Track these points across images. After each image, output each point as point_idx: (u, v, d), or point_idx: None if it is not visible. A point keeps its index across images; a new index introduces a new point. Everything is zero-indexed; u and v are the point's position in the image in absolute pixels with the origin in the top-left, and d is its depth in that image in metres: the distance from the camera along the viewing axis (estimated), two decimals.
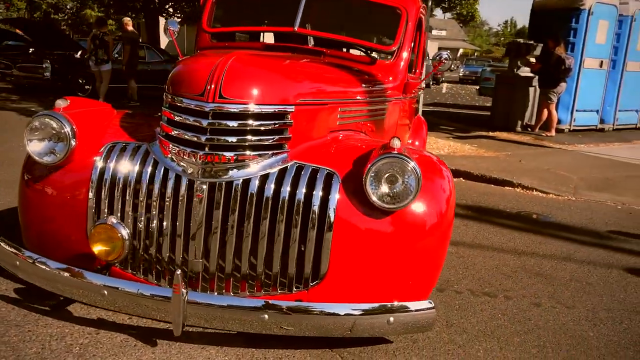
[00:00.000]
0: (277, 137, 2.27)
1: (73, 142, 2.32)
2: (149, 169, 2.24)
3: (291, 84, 2.39)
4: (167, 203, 2.19)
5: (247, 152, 2.18)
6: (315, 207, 2.14)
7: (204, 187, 2.15)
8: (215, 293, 2.22)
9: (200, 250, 2.18)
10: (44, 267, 2.23)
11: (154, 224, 2.22)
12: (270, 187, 2.16)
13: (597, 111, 9.75)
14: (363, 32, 3.80)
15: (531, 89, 9.28)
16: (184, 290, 1.99)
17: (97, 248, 2.17)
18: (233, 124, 2.16)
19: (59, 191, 2.37)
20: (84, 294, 2.18)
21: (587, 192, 5.78)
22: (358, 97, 2.95)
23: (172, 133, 2.24)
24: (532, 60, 9.01)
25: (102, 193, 2.28)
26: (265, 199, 2.14)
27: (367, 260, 2.19)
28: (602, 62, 9.38)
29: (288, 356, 2.16)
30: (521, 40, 9.36)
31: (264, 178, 2.18)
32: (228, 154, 2.16)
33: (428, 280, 2.33)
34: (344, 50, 3.71)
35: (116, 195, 2.26)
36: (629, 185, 6.16)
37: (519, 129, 9.37)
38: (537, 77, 9.08)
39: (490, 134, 9.05)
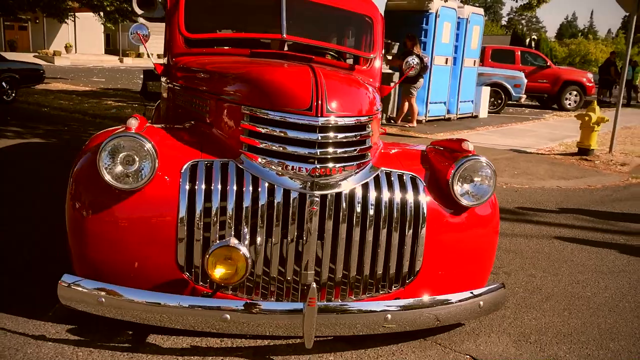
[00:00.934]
0: (363, 147, 2.39)
1: (157, 163, 2.17)
2: (250, 186, 2.20)
3: (367, 95, 2.52)
4: (277, 218, 2.18)
5: (346, 163, 2.27)
6: (411, 210, 2.33)
7: (317, 199, 2.19)
8: (325, 301, 2.28)
9: (312, 261, 2.23)
10: (143, 299, 2.08)
11: (267, 241, 2.20)
12: (372, 195, 2.29)
13: (445, 103, 11.04)
14: (338, 38, 3.97)
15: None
16: (319, 303, 2.05)
17: (219, 271, 2.09)
18: (336, 136, 2.23)
19: (140, 217, 2.20)
20: (199, 322, 2.09)
21: None
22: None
23: (271, 148, 2.23)
24: (389, 57, 9.86)
25: (196, 215, 2.17)
26: (369, 206, 2.27)
27: (451, 253, 2.44)
28: (447, 59, 10.65)
29: (397, 351, 2.32)
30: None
31: (366, 186, 2.30)
32: (332, 166, 2.23)
33: (490, 266, 2.66)
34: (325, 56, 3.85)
35: (213, 215, 2.18)
36: (499, 167, 7.20)
37: (383, 121, 10.20)
38: (397, 73, 9.97)
39: None
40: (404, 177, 2.40)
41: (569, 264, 3.62)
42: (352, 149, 2.31)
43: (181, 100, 3.21)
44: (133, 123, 2.23)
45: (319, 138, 2.19)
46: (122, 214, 2.19)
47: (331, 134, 2.22)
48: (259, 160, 2.25)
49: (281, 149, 2.23)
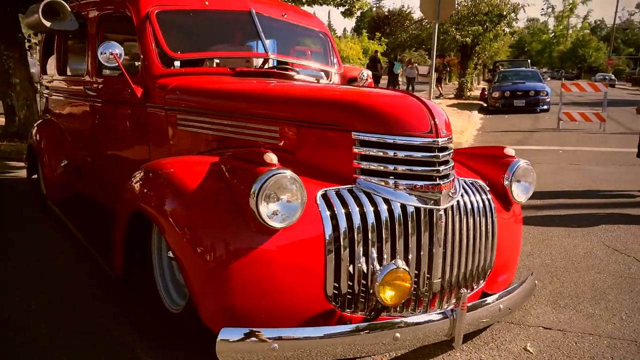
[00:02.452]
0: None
1: (305, 197, 2.13)
2: (385, 207, 2.29)
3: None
4: (413, 234, 2.32)
5: (451, 177, 2.51)
6: (489, 211, 2.68)
7: (442, 213, 2.39)
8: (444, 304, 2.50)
9: (439, 270, 2.42)
10: (318, 335, 2.06)
11: (408, 256, 2.32)
12: (471, 202, 2.57)
13: None
14: (304, 53, 4.06)
15: None
16: (468, 305, 2.29)
17: (388, 294, 2.15)
18: (445, 154, 2.45)
19: (291, 252, 2.13)
20: (372, 345, 2.14)
21: None
22: None
23: (392, 170, 2.35)
24: None
25: (342, 241, 2.19)
26: (471, 212, 2.55)
27: (506, 246, 2.86)
28: None
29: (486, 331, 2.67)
30: None
31: (466, 195, 2.57)
32: (447, 181, 2.45)
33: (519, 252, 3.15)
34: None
35: (357, 239, 2.22)
36: None
37: None
38: None
39: None
40: (476, 184, 2.73)
41: None
42: (452, 163, 2.55)
43: (200, 126, 3.01)
44: (273, 157, 2.14)
45: (439, 157, 2.39)
46: (275, 252, 2.10)
47: (444, 153, 2.43)
48: (381, 182, 2.35)
49: (402, 170, 2.36)
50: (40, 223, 4.40)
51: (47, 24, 3.99)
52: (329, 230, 2.18)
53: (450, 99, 22.01)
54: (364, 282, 2.24)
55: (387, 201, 2.32)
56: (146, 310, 2.79)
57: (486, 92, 21.46)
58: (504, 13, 21.13)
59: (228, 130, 2.87)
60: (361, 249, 2.23)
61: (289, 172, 2.08)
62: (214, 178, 2.29)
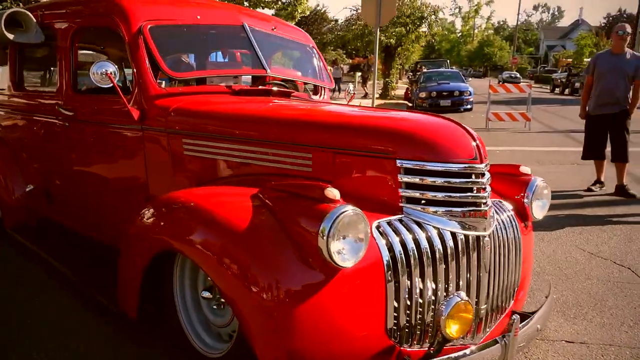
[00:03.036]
0: None
1: (369, 234, 2.04)
2: (436, 237, 2.24)
3: None
4: (466, 262, 2.30)
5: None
6: (518, 230, 2.72)
7: (488, 239, 2.39)
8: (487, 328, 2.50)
9: (485, 295, 2.42)
10: None
11: (463, 285, 2.29)
12: (505, 223, 2.59)
13: None
14: (299, 68, 3.93)
15: None
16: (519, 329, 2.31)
17: (454, 328, 2.11)
18: (487, 179, 2.44)
19: (355, 290, 2.04)
20: None
21: None
22: None
23: (441, 198, 2.31)
24: None
25: (401, 274, 2.13)
26: (506, 233, 2.57)
27: (525, 262, 2.92)
28: None
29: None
30: None
31: (499, 216, 2.58)
32: (490, 205, 2.44)
33: None
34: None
35: (414, 271, 2.17)
36: None
37: None
38: None
39: None
40: (500, 204, 2.76)
41: None
42: (490, 188, 2.54)
43: (214, 151, 2.83)
44: (336, 193, 2.03)
45: (485, 183, 2.39)
46: (339, 290, 2.01)
47: (486, 178, 2.43)
48: (429, 211, 2.31)
49: (450, 197, 2.33)
50: None
51: (10, 36, 3.62)
52: (387, 263, 2.11)
53: (376, 98, 22.43)
54: (422, 314, 2.19)
55: (438, 230, 2.29)
56: (171, 355, 2.58)
57: (410, 92, 22.11)
58: (425, 15, 21.84)
59: (249, 157, 2.71)
60: (417, 280, 2.18)
61: (357, 210, 1.99)
62: (262, 213, 2.15)
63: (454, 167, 2.32)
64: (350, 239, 1.99)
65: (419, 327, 2.21)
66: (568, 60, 46.27)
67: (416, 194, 2.32)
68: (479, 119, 14.02)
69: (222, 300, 2.37)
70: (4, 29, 3.58)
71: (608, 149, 6.58)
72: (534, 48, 79.62)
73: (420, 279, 2.18)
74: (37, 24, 3.72)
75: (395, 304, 2.13)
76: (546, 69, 57.06)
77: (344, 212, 1.95)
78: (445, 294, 2.24)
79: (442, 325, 2.11)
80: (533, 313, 2.63)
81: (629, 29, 6.52)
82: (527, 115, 13.00)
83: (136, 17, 3.11)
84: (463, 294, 2.17)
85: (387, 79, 23.66)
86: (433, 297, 2.20)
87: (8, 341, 2.77)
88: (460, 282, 2.30)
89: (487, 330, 2.49)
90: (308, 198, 2.08)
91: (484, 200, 2.38)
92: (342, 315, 2.03)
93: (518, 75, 49.51)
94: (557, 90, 33.38)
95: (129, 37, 3.05)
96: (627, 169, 6.49)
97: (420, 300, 2.19)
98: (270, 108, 2.91)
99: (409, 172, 2.33)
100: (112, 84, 2.90)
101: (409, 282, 2.15)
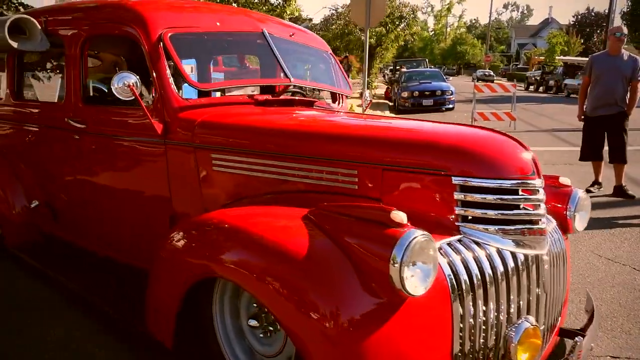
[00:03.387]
0: None
1: (437, 260, 1.93)
2: (498, 258, 2.15)
3: None
4: (525, 282, 2.21)
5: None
6: (563, 244, 2.64)
7: (546, 257, 2.30)
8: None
9: (542, 315, 2.33)
10: None
11: (523, 306, 2.20)
12: (555, 238, 2.50)
13: None
14: (319, 76, 3.80)
15: None
16: None
17: (523, 357, 2.02)
18: (544, 195, 2.35)
19: (423, 316, 1.93)
20: None
21: None
22: None
23: (498, 217, 2.21)
24: None
25: (465, 297, 2.02)
26: (560, 247, 2.49)
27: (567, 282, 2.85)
28: None
29: None
30: None
31: (555, 232, 2.50)
32: (544, 225, 2.35)
33: None
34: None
35: (477, 294, 2.06)
36: None
37: None
38: None
39: None
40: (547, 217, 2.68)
41: None
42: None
43: (247, 167, 2.68)
44: (403, 217, 1.91)
45: (542, 199, 2.30)
46: (408, 318, 1.89)
47: (543, 193, 2.34)
48: (487, 230, 2.22)
49: (508, 215, 2.24)
50: None
51: (15, 44, 3.41)
52: (452, 287, 2.00)
53: (356, 98, 22.37)
54: (485, 338, 2.09)
55: (498, 250, 2.19)
56: None
57: (390, 92, 22.11)
58: (404, 14, 21.86)
59: (287, 173, 2.57)
60: (480, 303, 2.08)
61: (427, 234, 1.87)
62: (319, 236, 2.02)
63: (513, 183, 2.23)
64: (420, 265, 1.88)
65: (482, 351, 2.11)
66: (540, 58, 46.94)
67: (474, 212, 2.21)
68: (462, 119, 14.04)
69: (270, 328, 2.24)
70: (7, 36, 3.37)
71: (605, 148, 6.61)
72: (506, 46, 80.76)
73: (483, 302, 2.08)
74: (42, 31, 3.51)
75: (461, 328, 2.03)
76: (518, 66, 57.95)
77: (415, 237, 1.83)
78: (507, 315, 2.15)
79: (512, 352, 2.02)
80: (583, 330, 2.55)
81: (625, 30, 6.56)
82: (512, 114, 13.08)
83: (155, 25, 2.93)
84: (532, 318, 2.09)
85: (367, 79, 23.60)
86: (496, 320, 2.10)
87: None
88: (521, 303, 2.21)
89: (542, 351, 2.40)
90: (371, 221, 1.96)
91: (542, 218, 2.29)
92: (409, 343, 1.91)
93: (492, 73, 50.13)
94: (531, 87, 33.85)
95: (148, 46, 2.88)
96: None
97: (484, 325, 2.08)
98: (308, 121, 2.78)
99: (465, 189, 2.22)
100: (134, 96, 2.73)
101: (472, 305, 2.05)
